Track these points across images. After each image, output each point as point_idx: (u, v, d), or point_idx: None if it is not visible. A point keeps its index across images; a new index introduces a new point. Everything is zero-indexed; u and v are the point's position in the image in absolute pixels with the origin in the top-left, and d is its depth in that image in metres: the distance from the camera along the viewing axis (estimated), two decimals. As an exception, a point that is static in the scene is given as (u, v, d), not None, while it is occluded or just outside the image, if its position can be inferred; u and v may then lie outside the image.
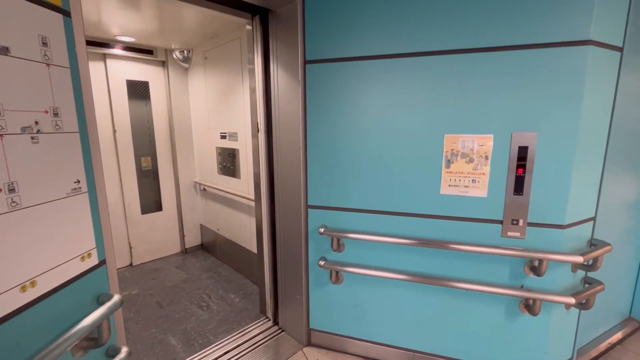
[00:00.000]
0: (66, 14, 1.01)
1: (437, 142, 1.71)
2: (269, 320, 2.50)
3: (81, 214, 1.06)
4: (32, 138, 0.89)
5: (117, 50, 3.14)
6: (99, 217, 1.14)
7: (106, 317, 1.08)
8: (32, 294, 0.90)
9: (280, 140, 2.11)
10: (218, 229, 3.64)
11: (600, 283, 1.69)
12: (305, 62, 1.89)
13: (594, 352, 2.09)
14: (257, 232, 2.43)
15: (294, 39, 1.88)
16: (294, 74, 1.92)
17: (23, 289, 0.87)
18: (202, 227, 3.97)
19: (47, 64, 0.94)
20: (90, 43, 2.94)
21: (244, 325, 2.47)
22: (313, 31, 1.84)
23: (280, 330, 2.40)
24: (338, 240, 1.96)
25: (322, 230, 1.95)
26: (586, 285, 1.75)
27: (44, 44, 0.93)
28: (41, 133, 0.92)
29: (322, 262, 2.00)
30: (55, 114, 0.96)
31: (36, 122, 0.90)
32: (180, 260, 3.73)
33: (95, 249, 1.12)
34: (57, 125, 0.97)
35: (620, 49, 1.58)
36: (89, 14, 2.33)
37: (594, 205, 1.72)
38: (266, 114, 2.19)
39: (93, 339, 1.09)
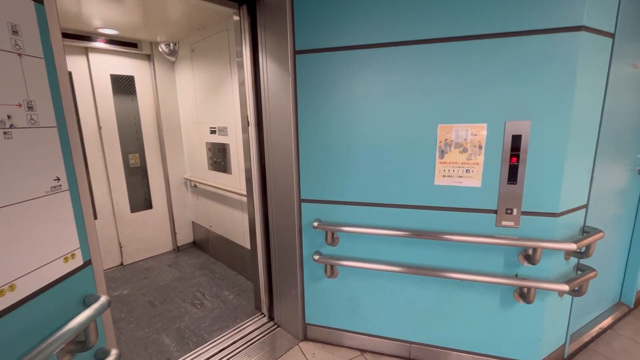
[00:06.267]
0: (38, 0, 0.94)
1: (431, 132, 1.69)
2: (264, 316, 2.48)
3: (63, 213, 1.01)
4: (5, 133, 0.84)
5: (99, 44, 3.02)
6: (82, 216, 1.08)
7: (93, 319, 1.04)
8: (11, 298, 0.85)
9: (271, 133, 2.06)
10: (210, 226, 3.59)
11: (592, 270, 1.71)
12: (295, 52, 1.83)
13: (586, 337, 2.12)
14: (250, 227, 2.39)
15: (283, 29, 1.82)
16: (283, 65, 1.87)
17: (1, 293, 0.83)
18: (194, 225, 3.91)
19: (19, 54, 0.88)
20: (71, 36, 2.83)
21: (239, 322, 2.45)
22: (303, 20, 1.79)
23: (275, 326, 2.38)
24: (332, 233, 1.94)
25: (316, 224, 1.93)
26: (579, 272, 1.76)
27: (15, 32, 0.87)
28: (15, 128, 0.86)
29: (316, 257, 1.97)
30: (30, 108, 0.90)
31: (9, 117, 0.85)
32: (172, 259, 3.67)
33: (80, 249, 1.07)
34: (32, 119, 0.91)
35: (612, 35, 1.57)
36: (67, 5, 2.22)
37: (586, 192, 1.73)
38: (256, 107, 2.14)
39: (80, 342, 1.05)
